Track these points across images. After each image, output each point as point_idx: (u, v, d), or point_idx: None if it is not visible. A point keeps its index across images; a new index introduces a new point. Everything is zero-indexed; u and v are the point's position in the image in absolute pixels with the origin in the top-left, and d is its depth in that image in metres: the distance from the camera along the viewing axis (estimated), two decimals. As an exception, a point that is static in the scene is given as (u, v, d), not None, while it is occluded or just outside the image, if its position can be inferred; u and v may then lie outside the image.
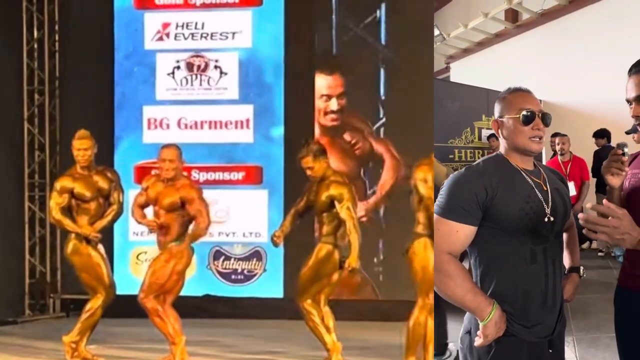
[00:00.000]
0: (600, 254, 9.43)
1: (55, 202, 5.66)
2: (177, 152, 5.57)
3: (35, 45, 8.27)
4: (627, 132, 7.03)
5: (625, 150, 2.49)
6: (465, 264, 2.63)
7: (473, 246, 2.52)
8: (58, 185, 5.74)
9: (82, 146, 5.73)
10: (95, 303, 5.66)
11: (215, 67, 8.06)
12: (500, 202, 2.41)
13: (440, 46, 14.19)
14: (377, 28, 7.88)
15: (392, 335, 5.84)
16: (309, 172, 5.36)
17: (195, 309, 5.82)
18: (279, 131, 7.88)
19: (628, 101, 2.55)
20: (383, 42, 7.89)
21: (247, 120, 7.97)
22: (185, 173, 5.72)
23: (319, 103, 7.81)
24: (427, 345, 5.07)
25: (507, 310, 2.45)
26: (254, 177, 7.94)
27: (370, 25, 7.88)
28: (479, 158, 10.45)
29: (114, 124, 8.02)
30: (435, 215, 2.47)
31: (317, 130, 7.77)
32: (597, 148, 9.37)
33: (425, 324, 5.01)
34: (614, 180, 2.53)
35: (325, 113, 7.80)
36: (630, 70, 2.55)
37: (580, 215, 2.16)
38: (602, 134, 9.31)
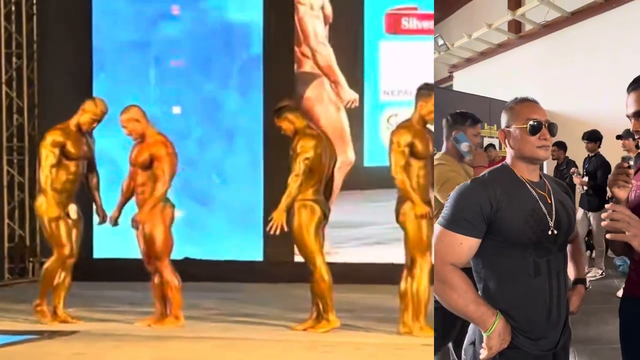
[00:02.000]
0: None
1: (48, 166, 5.53)
2: (132, 114, 5.54)
3: (13, 8, 8.05)
4: (618, 137, 6.96)
5: (631, 163, 2.48)
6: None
7: (476, 258, 2.49)
8: (50, 138, 5.58)
9: (97, 117, 5.65)
10: (49, 263, 5.61)
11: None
12: (504, 215, 2.39)
13: (444, 55, 14.35)
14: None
15: (374, 298, 5.88)
16: (282, 132, 5.41)
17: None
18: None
19: (628, 117, 2.55)
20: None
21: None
22: (157, 130, 5.62)
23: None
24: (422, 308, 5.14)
25: (511, 323, 2.43)
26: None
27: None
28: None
29: (92, 87, 7.87)
30: (439, 227, 2.44)
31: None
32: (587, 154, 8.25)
33: (428, 286, 5.08)
34: (620, 193, 2.47)
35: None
36: (629, 87, 2.54)
37: (605, 215, 2.17)
38: (594, 137, 8.15)
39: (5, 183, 8.01)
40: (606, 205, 2.21)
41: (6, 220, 7.99)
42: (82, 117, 5.62)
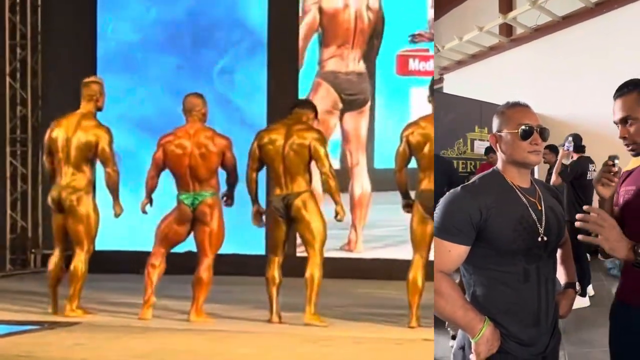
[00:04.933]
0: None
1: None
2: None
3: (18, 0, 8.09)
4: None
5: (616, 161, 2.49)
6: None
7: (465, 265, 2.48)
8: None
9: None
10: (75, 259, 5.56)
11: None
12: (494, 223, 2.38)
13: (434, 57, 14.17)
14: None
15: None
16: None
17: (177, 267, 5.76)
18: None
19: (615, 123, 2.54)
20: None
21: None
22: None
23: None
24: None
25: (500, 330, 2.42)
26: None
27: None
28: (471, 169, 10.31)
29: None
30: None
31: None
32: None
33: (424, 282, 5.07)
34: (604, 191, 2.51)
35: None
36: (615, 94, 2.53)
37: (578, 216, 2.16)
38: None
39: (8, 174, 8.03)
40: (584, 207, 2.21)
41: (8, 212, 8.01)
42: (99, 101, 5.61)
